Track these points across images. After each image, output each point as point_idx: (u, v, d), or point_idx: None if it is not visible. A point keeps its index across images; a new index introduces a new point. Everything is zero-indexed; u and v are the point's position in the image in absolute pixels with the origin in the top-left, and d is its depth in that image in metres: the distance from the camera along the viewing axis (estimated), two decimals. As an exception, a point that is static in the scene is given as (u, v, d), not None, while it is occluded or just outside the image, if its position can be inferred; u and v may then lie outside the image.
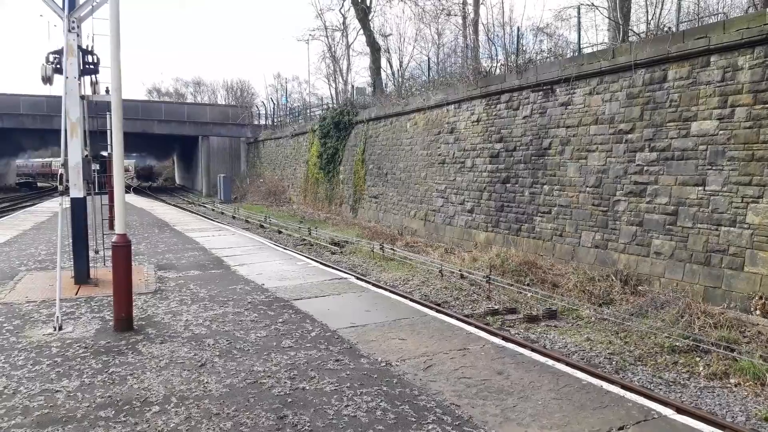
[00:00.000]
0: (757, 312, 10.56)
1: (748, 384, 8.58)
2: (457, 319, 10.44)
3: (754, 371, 8.69)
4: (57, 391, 6.10)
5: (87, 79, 11.44)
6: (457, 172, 20.70)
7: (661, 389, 8.61)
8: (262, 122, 52.22)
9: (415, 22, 55.28)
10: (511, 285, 13.83)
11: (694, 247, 12.28)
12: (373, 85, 34.48)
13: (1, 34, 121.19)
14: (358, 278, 13.88)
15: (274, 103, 51.82)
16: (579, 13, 18.00)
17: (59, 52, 10.80)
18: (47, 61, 10.88)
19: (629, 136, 14.02)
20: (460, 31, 32.60)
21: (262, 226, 28.41)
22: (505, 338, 9.44)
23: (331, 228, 26.49)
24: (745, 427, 7.25)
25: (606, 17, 19.94)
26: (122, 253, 8.26)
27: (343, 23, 43.17)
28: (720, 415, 7.76)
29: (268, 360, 7.08)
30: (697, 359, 9.51)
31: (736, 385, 8.65)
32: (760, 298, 10.67)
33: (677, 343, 9.93)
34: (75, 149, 10.67)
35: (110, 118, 12.12)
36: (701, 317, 10.57)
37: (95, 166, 13.49)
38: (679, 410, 6.75)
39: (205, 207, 40.77)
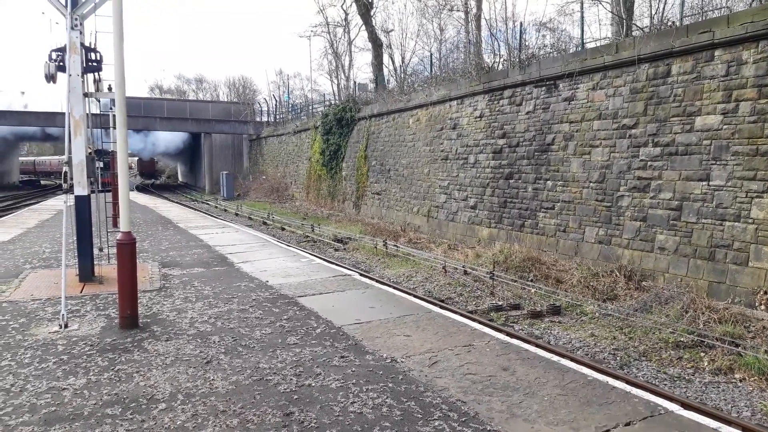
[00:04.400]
0: (762, 307, 10.54)
1: (753, 379, 8.57)
2: (462, 315, 10.45)
3: (759, 366, 8.68)
4: (64, 388, 6.11)
5: (90, 76, 11.46)
6: (460, 168, 20.68)
7: (666, 384, 8.61)
8: (264, 119, 52.22)
9: (417, 18, 55.12)
10: (515, 281, 13.82)
11: (699, 242, 12.26)
12: (375, 81, 34.39)
13: (3, 32, 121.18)
14: (361, 275, 13.88)
15: (276, 100, 51.79)
16: (582, 7, 17.93)
17: (62, 50, 10.80)
18: (50, 58, 10.88)
19: (633, 131, 13.99)
20: (463, 27, 32.50)
21: (265, 223, 28.43)
22: (509, 334, 9.44)
23: (334, 225, 26.49)
24: (751, 422, 7.24)
25: (609, 12, 19.85)
26: (127, 251, 8.27)
27: (345, 19, 43.06)
28: (725, 410, 7.75)
29: (273, 357, 7.09)
30: (702, 354, 9.50)
31: (741, 380, 8.65)
32: (765, 293, 10.64)
33: (682, 339, 9.92)
34: (79, 147, 10.68)
35: (113, 115, 12.13)
36: (706, 312, 10.55)
37: (99, 164, 13.50)
38: (685, 405, 6.75)
39: (207, 204, 40.83)
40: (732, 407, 7.88)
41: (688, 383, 8.70)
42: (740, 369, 8.86)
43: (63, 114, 10.42)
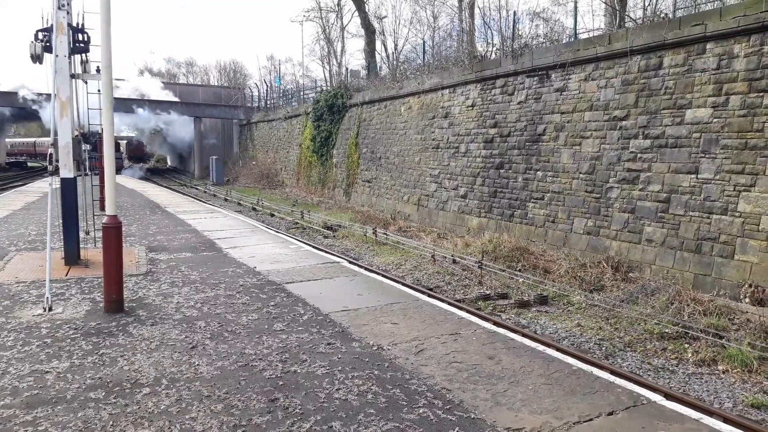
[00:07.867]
0: (747, 300, 10.64)
1: (735, 371, 8.67)
2: (449, 303, 10.47)
3: (742, 358, 8.77)
4: (46, 372, 6.06)
5: (77, 57, 11.28)
6: (451, 157, 20.65)
7: (649, 375, 8.69)
8: (255, 104, 51.82)
9: (411, 5, 54.81)
10: (503, 270, 13.87)
11: (686, 234, 12.33)
12: (368, 68, 34.19)
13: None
14: (350, 262, 13.86)
15: (267, 85, 51.38)
16: (576, -3, 17.87)
17: (48, 30, 10.62)
18: (36, 38, 10.70)
19: (623, 122, 14.01)
20: (456, 15, 32.38)
21: (254, 209, 28.31)
22: (496, 323, 9.48)
23: (324, 212, 26.43)
24: (732, 413, 7.32)
25: (603, 2, 19.81)
26: (113, 235, 8.19)
27: (338, 4, 42.80)
28: (708, 401, 7.84)
29: (259, 343, 7.07)
30: (686, 346, 9.59)
31: (724, 372, 8.74)
32: (750, 285, 10.74)
33: (667, 330, 10.01)
34: (65, 129, 10.53)
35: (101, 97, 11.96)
36: (691, 304, 10.64)
37: (86, 147, 13.33)
38: (668, 396, 6.82)
39: (197, 189, 40.58)
40: (714, 398, 7.96)
41: (672, 374, 8.78)
42: (723, 361, 8.96)
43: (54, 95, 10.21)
